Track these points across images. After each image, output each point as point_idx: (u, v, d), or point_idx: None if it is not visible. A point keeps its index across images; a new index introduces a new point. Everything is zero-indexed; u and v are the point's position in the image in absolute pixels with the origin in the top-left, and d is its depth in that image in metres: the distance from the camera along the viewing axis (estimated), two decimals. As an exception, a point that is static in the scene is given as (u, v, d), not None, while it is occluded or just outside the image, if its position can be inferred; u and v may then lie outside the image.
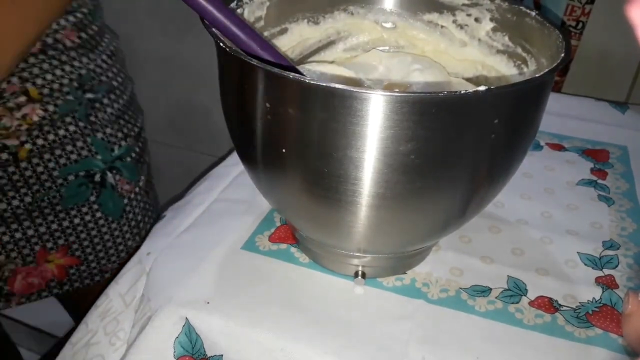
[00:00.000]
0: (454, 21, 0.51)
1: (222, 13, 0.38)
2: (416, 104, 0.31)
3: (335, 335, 0.40)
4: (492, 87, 0.32)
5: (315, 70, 0.49)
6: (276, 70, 0.32)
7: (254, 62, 0.33)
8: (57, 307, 0.90)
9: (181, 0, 0.37)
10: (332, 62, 0.53)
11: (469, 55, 0.51)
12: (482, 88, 0.32)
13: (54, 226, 0.70)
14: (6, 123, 0.62)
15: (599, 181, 0.58)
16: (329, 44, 0.54)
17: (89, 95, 0.69)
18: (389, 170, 0.34)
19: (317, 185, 0.36)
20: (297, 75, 0.32)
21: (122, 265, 0.51)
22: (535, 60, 0.44)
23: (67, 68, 0.66)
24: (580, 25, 0.76)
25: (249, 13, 0.46)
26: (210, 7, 0.37)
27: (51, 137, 0.66)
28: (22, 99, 0.63)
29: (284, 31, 0.50)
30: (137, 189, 0.77)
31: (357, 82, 0.49)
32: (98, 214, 0.72)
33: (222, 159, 0.61)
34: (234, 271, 0.45)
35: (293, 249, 0.48)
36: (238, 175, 0.57)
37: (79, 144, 0.69)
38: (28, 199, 0.67)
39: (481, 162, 0.36)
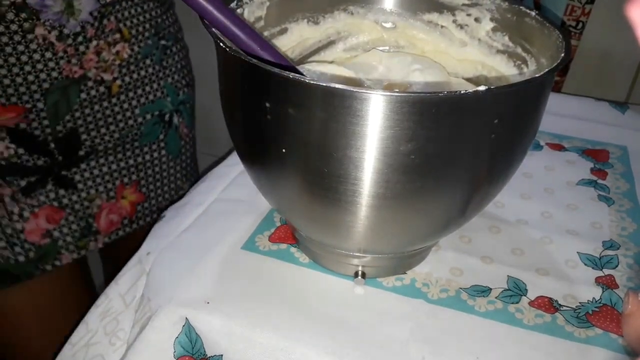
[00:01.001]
0: (454, 21, 0.51)
1: (222, 13, 0.38)
2: (416, 104, 0.31)
3: (335, 335, 0.40)
4: (492, 87, 0.32)
5: (315, 70, 0.49)
6: (276, 70, 0.32)
7: (254, 62, 0.33)
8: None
9: (181, 0, 0.37)
10: (331, 62, 0.53)
11: (469, 55, 0.51)
12: (482, 88, 0.32)
13: (131, 162, 0.77)
14: (105, 56, 0.70)
15: (599, 181, 0.58)
16: (329, 44, 0.54)
17: (163, 42, 0.77)
18: (389, 170, 0.34)
19: (317, 185, 0.36)
20: (297, 75, 0.32)
21: (172, 204, 0.57)
22: (535, 60, 0.44)
23: (147, 16, 0.74)
24: (580, 25, 0.76)
25: (249, 13, 0.46)
26: (210, 7, 0.37)
27: (135, 75, 0.74)
28: (117, 36, 0.70)
29: (284, 31, 0.50)
30: (191, 135, 0.87)
31: (357, 82, 0.49)
32: (163, 152, 0.81)
33: (222, 159, 0.61)
34: (234, 271, 0.45)
35: (293, 249, 0.48)
36: (238, 175, 0.57)
37: (155, 85, 0.76)
38: (116, 135, 0.74)
39: (481, 162, 0.36)
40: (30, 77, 0.65)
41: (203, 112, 1.10)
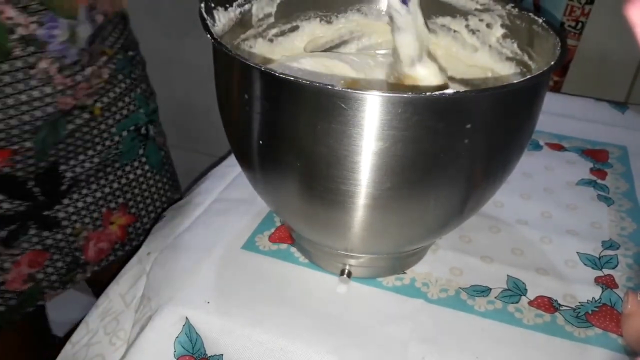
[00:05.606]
0: (467, 26, 0.50)
1: None
2: (410, 105, 0.31)
3: (335, 335, 0.40)
4: (460, 91, 0.32)
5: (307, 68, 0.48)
6: (271, 70, 0.32)
7: (250, 62, 0.33)
8: (57, 307, 0.90)
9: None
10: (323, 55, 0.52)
11: (479, 61, 0.50)
12: (449, 91, 0.31)
13: (115, 185, 0.74)
14: (93, 82, 0.67)
15: (599, 181, 0.58)
16: (342, 43, 0.53)
17: (130, 53, 0.74)
18: (385, 171, 0.34)
19: (313, 186, 0.36)
20: (290, 75, 0.32)
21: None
22: (538, 67, 0.44)
23: (118, 31, 0.71)
24: (580, 25, 0.76)
25: (257, 9, 0.45)
26: None
27: (111, 94, 0.70)
28: (104, 58, 0.68)
29: (294, 28, 0.50)
30: (166, 143, 0.83)
31: (356, 82, 0.49)
32: (146, 167, 0.77)
33: (222, 159, 0.61)
34: (234, 271, 0.45)
35: (293, 249, 0.48)
36: (238, 175, 0.57)
37: (127, 99, 0.73)
38: (96, 160, 0.70)
39: (467, 166, 0.36)
40: (26, 117, 0.60)
41: (203, 112, 1.10)
